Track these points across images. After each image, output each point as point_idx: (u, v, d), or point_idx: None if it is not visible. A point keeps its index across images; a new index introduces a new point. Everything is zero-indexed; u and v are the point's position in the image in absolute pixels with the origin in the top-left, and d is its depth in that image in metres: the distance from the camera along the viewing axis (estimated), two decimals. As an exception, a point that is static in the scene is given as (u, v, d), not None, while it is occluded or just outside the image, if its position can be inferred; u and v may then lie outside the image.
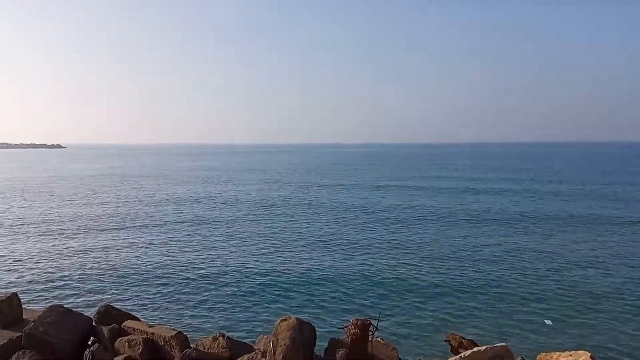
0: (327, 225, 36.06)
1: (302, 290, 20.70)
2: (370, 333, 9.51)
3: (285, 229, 34.78)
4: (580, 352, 8.46)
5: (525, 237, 31.62)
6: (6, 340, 10.37)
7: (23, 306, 11.92)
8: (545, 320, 17.27)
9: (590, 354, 8.23)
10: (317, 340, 9.72)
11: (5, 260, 26.02)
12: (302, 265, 24.53)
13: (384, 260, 25.58)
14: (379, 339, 10.09)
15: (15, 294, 11.64)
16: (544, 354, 9.01)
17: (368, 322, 9.54)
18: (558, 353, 8.76)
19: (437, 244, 29.40)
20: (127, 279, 22.41)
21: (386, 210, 43.42)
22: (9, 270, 23.98)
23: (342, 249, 28.20)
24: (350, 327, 9.54)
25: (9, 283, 21.78)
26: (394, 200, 50.81)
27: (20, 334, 10.52)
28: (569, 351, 8.65)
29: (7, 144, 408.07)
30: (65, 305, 11.65)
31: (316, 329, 9.70)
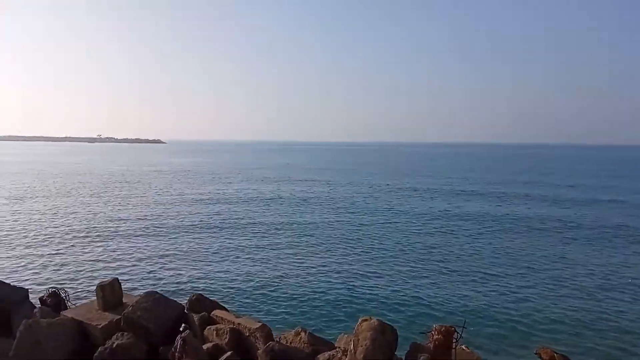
0: (423, 233, 35.39)
1: (386, 292, 20.55)
2: (454, 340, 9.25)
3: (383, 234, 34.67)
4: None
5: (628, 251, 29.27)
6: (107, 322, 11.22)
7: (123, 291, 12.80)
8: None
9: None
10: (398, 343, 9.60)
11: (108, 245, 28.27)
12: (388, 268, 24.34)
13: (473, 267, 24.77)
14: (463, 347, 9.78)
15: (116, 279, 12.54)
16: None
17: (452, 328, 9.28)
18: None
19: (534, 254, 27.93)
20: (217, 271, 23.50)
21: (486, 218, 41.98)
22: (111, 256, 25.95)
23: (433, 255, 27.53)
24: (433, 332, 9.34)
25: (111, 268, 23.59)
26: (489, 207, 49.00)
27: (119, 316, 11.34)
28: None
29: (114, 138, 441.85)
30: (160, 292, 12.41)
31: (398, 332, 9.57)
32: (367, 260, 25.81)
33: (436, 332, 9.25)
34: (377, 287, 21.26)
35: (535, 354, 10.20)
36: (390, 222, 37.78)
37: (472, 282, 22.18)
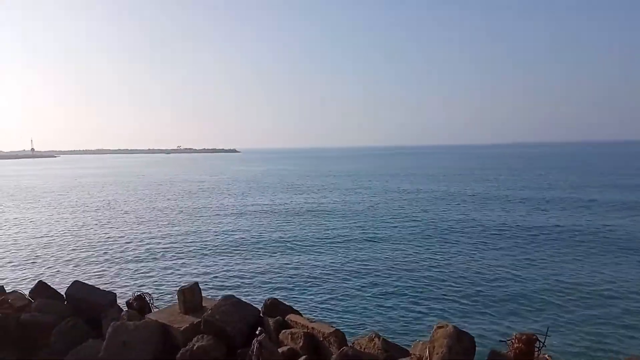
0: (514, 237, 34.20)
1: (463, 298, 20.00)
2: (536, 349, 8.81)
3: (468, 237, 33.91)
4: None
5: None
6: (188, 325, 11.69)
7: (202, 295, 13.28)
8: None
9: None
10: (475, 351, 9.28)
11: (189, 252, 29.57)
12: (466, 272, 23.70)
13: (559, 275, 23.54)
14: (546, 356, 9.30)
15: (196, 283, 13.05)
16: None
17: (534, 337, 8.85)
18: None
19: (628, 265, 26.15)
20: (291, 276, 23.90)
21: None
22: (191, 262, 27.11)
23: (514, 260, 26.45)
24: (513, 340, 8.95)
25: (191, 273, 24.63)
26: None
27: (199, 319, 11.78)
28: None
29: (193, 148, 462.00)
30: (236, 296, 12.78)
31: (475, 339, 9.25)
32: (444, 265, 25.22)
33: (517, 340, 8.86)
34: (454, 292, 20.72)
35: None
36: (467, 227, 36.75)
37: (557, 289, 21.03)
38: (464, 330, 9.16)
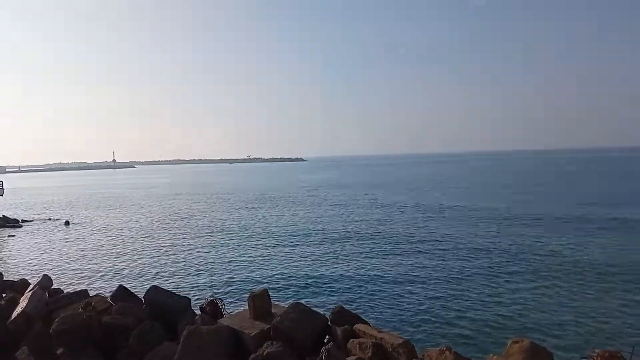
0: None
1: (541, 312, 19.03)
2: (622, 368, 8.25)
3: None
4: None
5: None
6: (258, 331, 11.89)
7: (271, 301, 13.48)
8: None
9: None
10: (555, 367, 8.81)
11: (259, 259, 30.24)
12: (545, 285, 22.60)
13: None
14: (632, 376, 8.68)
15: (266, 290, 13.28)
16: None
17: (619, 354, 8.29)
18: None
19: None
20: (359, 283, 23.83)
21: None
22: (261, 268, 27.69)
23: (599, 271, 25.02)
24: (596, 358, 8.42)
25: (260, 280, 25.12)
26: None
27: (269, 326, 11.96)
28: None
29: (262, 158, 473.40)
30: (304, 303, 12.87)
31: (554, 356, 8.78)
32: (521, 277, 24.14)
33: (600, 358, 8.33)
34: (532, 306, 19.77)
35: None
36: (549, 235, 35.10)
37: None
38: (541, 345, 8.73)
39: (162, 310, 13.99)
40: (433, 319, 18.58)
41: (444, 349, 10.37)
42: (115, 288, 15.87)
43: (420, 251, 31.10)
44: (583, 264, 26.45)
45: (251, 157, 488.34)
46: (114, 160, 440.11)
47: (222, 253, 32.65)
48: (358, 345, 10.88)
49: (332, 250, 32.27)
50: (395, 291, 22.35)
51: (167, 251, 33.93)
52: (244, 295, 18.33)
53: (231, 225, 45.88)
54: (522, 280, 23.62)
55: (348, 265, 27.93)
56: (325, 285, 23.73)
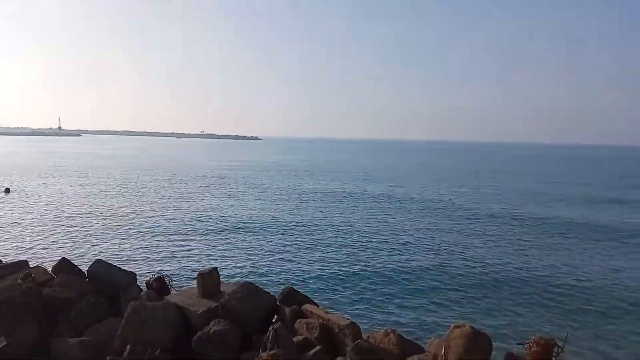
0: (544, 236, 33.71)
1: (482, 298, 19.85)
2: (554, 355, 8.68)
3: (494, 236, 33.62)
4: None
5: None
6: (206, 309, 11.82)
7: (221, 280, 13.39)
8: None
9: None
10: (492, 352, 9.18)
11: (210, 236, 29.91)
12: (486, 273, 23.47)
13: (589, 275, 23.34)
14: (563, 362, 9.16)
15: (215, 268, 13.17)
16: None
17: (553, 341, 8.72)
18: None
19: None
20: (309, 266, 24.01)
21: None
22: (211, 247, 27.43)
23: (537, 263, 26.06)
24: (531, 344, 8.83)
25: (210, 258, 24.90)
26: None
27: (217, 304, 11.90)
28: None
29: (215, 134, 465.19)
30: (254, 283, 12.86)
31: (492, 340, 9.15)
32: (464, 264, 25.02)
33: (535, 344, 8.74)
34: (473, 291, 20.60)
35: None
36: (490, 224, 36.38)
37: (582, 294, 20.73)
38: (481, 330, 9.07)
39: (106, 285, 13.67)
40: (380, 302, 19.04)
41: (389, 331, 10.63)
42: (57, 260, 15.29)
43: (370, 236, 31.56)
44: (522, 254, 27.66)
45: (204, 132, 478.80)
46: (59, 128, 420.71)
47: (173, 229, 32.04)
48: (305, 326, 11.01)
49: (284, 232, 32.28)
50: (344, 274, 22.68)
51: (114, 225, 32.98)
52: (193, 273, 18.13)
53: (182, 202, 45.00)
54: (465, 266, 24.47)
55: (299, 246, 28.08)
56: (276, 266, 23.79)
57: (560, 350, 8.77)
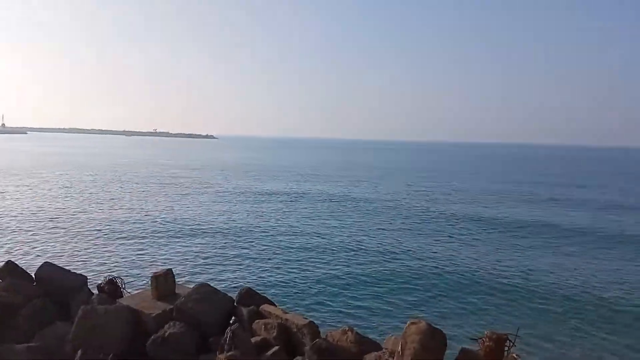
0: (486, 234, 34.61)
1: (437, 295, 20.32)
2: (506, 348, 8.98)
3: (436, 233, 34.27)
4: None
5: None
6: (160, 311, 11.58)
7: (176, 282, 13.15)
8: None
9: None
10: (447, 348, 9.41)
11: (163, 237, 29.24)
12: (441, 270, 23.98)
13: (537, 270, 24.26)
14: (514, 355, 9.49)
15: (170, 270, 12.92)
16: None
17: (504, 336, 9.02)
18: None
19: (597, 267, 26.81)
20: (266, 266, 23.88)
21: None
22: (165, 249, 26.83)
23: (494, 256, 27.02)
24: (484, 339, 9.10)
25: (165, 260, 24.35)
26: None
27: (172, 306, 11.68)
28: None
29: (168, 132, 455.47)
30: (211, 285, 12.68)
31: (447, 336, 9.38)
32: (420, 261, 25.50)
33: (487, 339, 9.02)
34: (429, 289, 21.04)
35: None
36: (444, 223, 37.24)
37: (532, 289, 21.49)
38: (437, 327, 9.27)
39: (55, 289, 13.15)
40: (337, 301, 19.16)
41: (347, 329, 10.74)
42: (2, 264, 14.59)
43: (326, 237, 31.61)
44: (477, 249, 28.48)
45: (157, 130, 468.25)
46: (3, 125, 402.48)
47: (125, 230, 31.10)
48: (263, 326, 10.96)
49: (239, 234, 31.92)
50: (301, 274, 22.68)
51: (63, 227, 31.70)
52: (147, 276, 17.70)
53: (133, 203, 43.75)
54: (420, 264, 24.93)
55: (255, 247, 27.82)
56: (232, 268, 23.50)
57: (511, 344, 9.08)
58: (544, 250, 29.04)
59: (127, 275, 20.13)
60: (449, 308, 18.82)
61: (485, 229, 35.45)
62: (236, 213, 39.50)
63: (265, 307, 11.80)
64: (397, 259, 25.79)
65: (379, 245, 29.04)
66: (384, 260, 25.38)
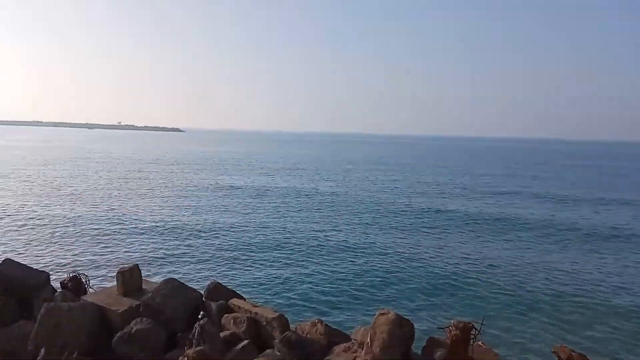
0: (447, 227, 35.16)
1: (405, 286, 20.62)
2: (472, 336, 9.18)
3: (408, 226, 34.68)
4: None
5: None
6: (127, 307, 11.36)
7: (142, 277, 12.91)
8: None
9: None
10: (415, 337, 9.56)
11: (129, 233, 28.68)
12: (408, 261, 24.32)
13: (502, 261, 24.84)
14: (480, 343, 9.72)
15: (136, 265, 12.66)
16: None
17: (470, 324, 9.21)
18: None
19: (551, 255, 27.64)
20: (235, 260, 23.75)
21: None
22: (131, 244, 26.34)
23: (459, 248, 27.53)
24: (451, 328, 9.28)
25: (131, 255, 23.92)
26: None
27: (139, 302, 11.47)
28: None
29: (134, 125, 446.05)
30: (178, 279, 12.51)
31: (415, 326, 9.54)
32: (387, 253, 25.82)
33: (454, 328, 9.19)
34: (397, 280, 21.35)
35: (553, 352, 10.06)
36: (412, 215, 37.70)
37: (498, 279, 22.03)
38: (405, 317, 9.40)
39: (16, 286, 12.72)
40: (306, 293, 19.24)
41: (316, 321, 10.78)
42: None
43: (293, 230, 31.63)
44: (444, 242, 28.98)
45: (122, 123, 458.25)
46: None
47: (89, 226, 30.35)
48: (232, 320, 10.89)
49: (207, 225, 31.67)
50: (271, 267, 22.69)
51: (23, 223, 30.74)
52: (112, 272, 17.34)
53: (96, 198, 42.72)
54: (387, 256, 25.25)
55: (223, 240, 27.67)
56: (200, 262, 23.30)
57: (477, 332, 9.28)
58: (508, 244, 29.73)
59: (91, 272, 19.72)
60: (417, 300, 19.14)
61: (453, 223, 36.03)
62: (203, 207, 39.06)
63: (235, 301, 11.71)
64: (366, 254, 25.98)
65: (347, 238, 29.22)
66: (353, 255, 25.55)
